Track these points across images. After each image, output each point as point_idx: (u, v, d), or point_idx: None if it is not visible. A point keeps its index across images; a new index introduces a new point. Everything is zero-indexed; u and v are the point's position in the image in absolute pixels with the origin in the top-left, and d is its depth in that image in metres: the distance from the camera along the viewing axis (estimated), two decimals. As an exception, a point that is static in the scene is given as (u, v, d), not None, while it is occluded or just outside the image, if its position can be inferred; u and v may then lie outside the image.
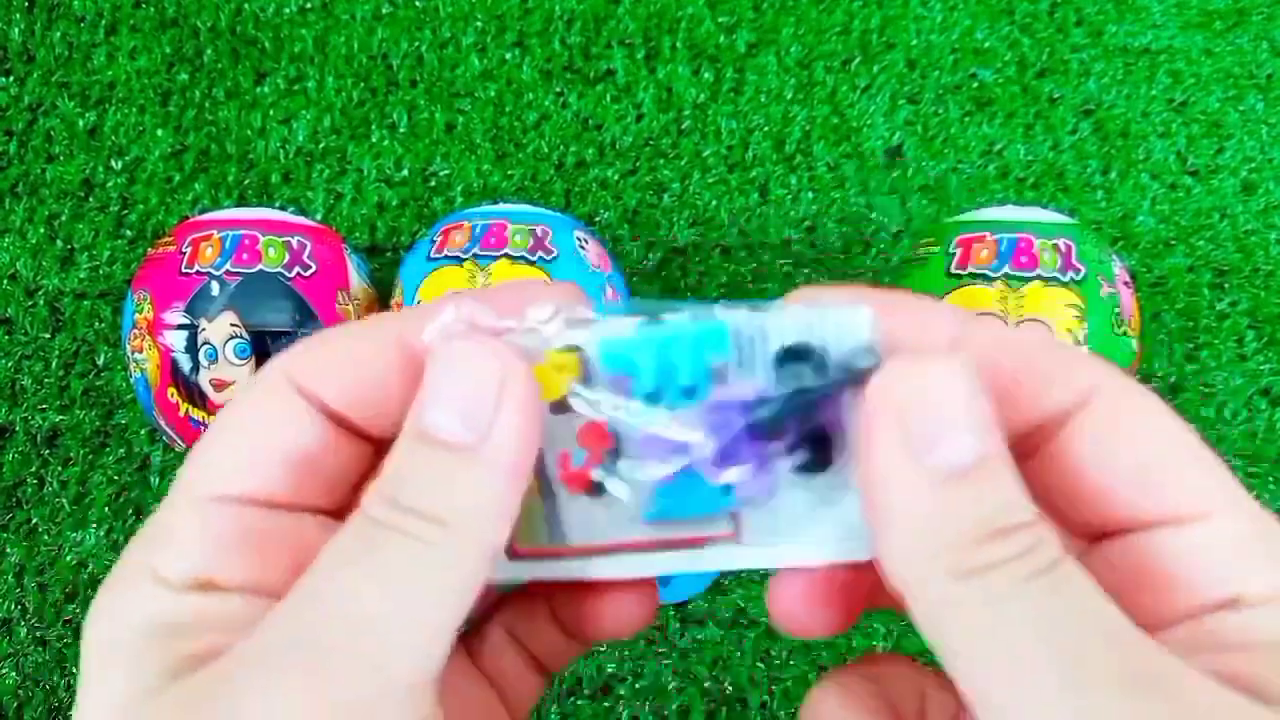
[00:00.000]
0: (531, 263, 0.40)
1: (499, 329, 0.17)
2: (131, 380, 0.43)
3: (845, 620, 0.19)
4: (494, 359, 0.16)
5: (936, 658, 0.15)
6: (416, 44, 0.54)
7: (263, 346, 0.39)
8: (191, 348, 0.39)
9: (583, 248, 0.42)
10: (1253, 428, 0.49)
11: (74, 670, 0.45)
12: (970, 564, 0.14)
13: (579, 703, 0.45)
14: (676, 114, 0.53)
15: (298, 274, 0.40)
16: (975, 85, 0.54)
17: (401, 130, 0.53)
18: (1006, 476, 0.15)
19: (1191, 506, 0.16)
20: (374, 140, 0.52)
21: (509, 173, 0.52)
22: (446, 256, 0.40)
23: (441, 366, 0.16)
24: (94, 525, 0.46)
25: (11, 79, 0.53)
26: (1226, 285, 0.51)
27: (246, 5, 0.55)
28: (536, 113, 0.53)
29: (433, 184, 0.52)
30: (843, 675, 0.19)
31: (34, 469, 0.47)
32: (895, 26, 0.55)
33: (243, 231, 0.40)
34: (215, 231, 0.40)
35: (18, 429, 0.48)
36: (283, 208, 0.49)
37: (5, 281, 0.50)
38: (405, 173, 0.52)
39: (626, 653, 0.45)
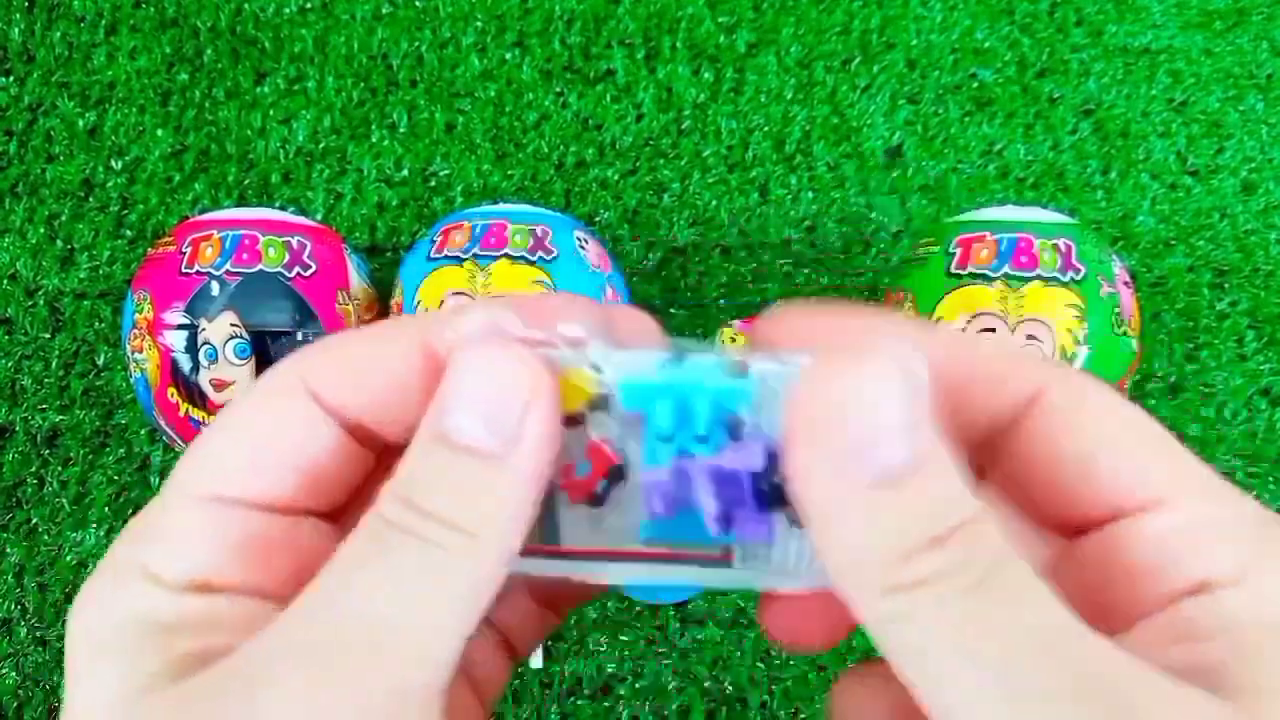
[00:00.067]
0: (531, 262, 0.40)
1: (528, 339, 0.16)
2: (131, 380, 0.43)
3: (836, 636, 0.19)
4: (523, 366, 0.16)
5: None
6: (416, 44, 0.54)
7: (263, 346, 0.39)
8: (191, 348, 0.39)
9: (583, 248, 0.42)
10: (1253, 428, 0.49)
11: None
12: (902, 580, 0.14)
13: (579, 703, 0.45)
14: (676, 114, 0.53)
15: (298, 274, 0.40)
16: (975, 85, 0.54)
17: (401, 130, 0.53)
18: (938, 475, 0.15)
19: (1148, 495, 0.15)
20: (374, 140, 0.52)
21: (509, 173, 0.52)
22: (446, 256, 0.40)
23: (466, 370, 0.16)
24: (94, 525, 0.46)
25: (11, 79, 0.53)
26: (1226, 285, 0.51)
27: (246, 5, 0.55)
28: (536, 113, 0.53)
29: (433, 184, 0.52)
30: (870, 666, 0.19)
31: (34, 469, 0.47)
32: (895, 26, 0.55)
33: (243, 231, 0.40)
34: (215, 231, 0.40)
35: (18, 429, 0.48)
36: (283, 208, 0.49)
37: (5, 281, 0.50)
38: (405, 173, 0.52)
39: (626, 653, 0.45)
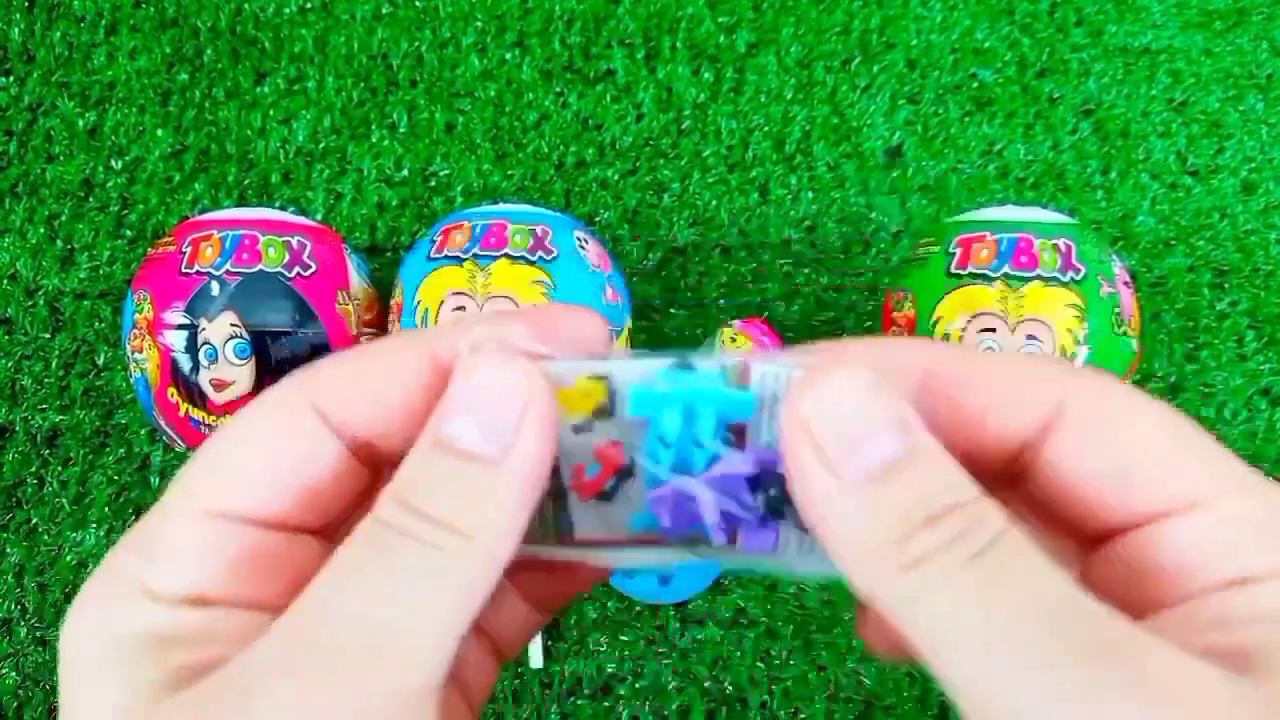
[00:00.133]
0: (531, 262, 0.40)
1: (533, 353, 0.17)
2: (131, 380, 0.43)
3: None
4: (520, 375, 0.16)
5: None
6: (416, 44, 0.54)
7: (263, 346, 0.39)
8: (191, 348, 0.39)
9: (583, 248, 0.41)
10: (1253, 428, 0.49)
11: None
12: (906, 558, 0.15)
13: (579, 703, 0.45)
14: (676, 114, 0.53)
15: (298, 274, 0.40)
16: (975, 85, 0.54)
17: (401, 130, 0.53)
18: (930, 463, 0.15)
19: (1184, 497, 0.16)
20: (374, 140, 0.52)
21: (509, 173, 0.52)
22: (446, 256, 0.40)
23: (466, 379, 0.16)
24: (94, 525, 0.46)
25: (11, 79, 0.53)
26: (1226, 285, 0.51)
27: (246, 5, 0.55)
28: (536, 113, 0.53)
29: (433, 184, 0.52)
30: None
31: (34, 469, 0.47)
32: (895, 26, 0.55)
33: (243, 231, 0.40)
34: (215, 231, 0.40)
35: (18, 429, 0.48)
36: (283, 208, 0.49)
37: (5, 281, 0.50)
38: (405, 173, 0.52)
39: (626, 653, 0.45)
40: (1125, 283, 0.41)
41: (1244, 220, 0.52)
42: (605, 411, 0.17)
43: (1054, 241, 0.40)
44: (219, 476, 0.16)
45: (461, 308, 0.39)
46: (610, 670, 0.45)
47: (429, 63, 0.54)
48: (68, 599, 0.46)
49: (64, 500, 0.47)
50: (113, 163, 0.52)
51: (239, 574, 0.16)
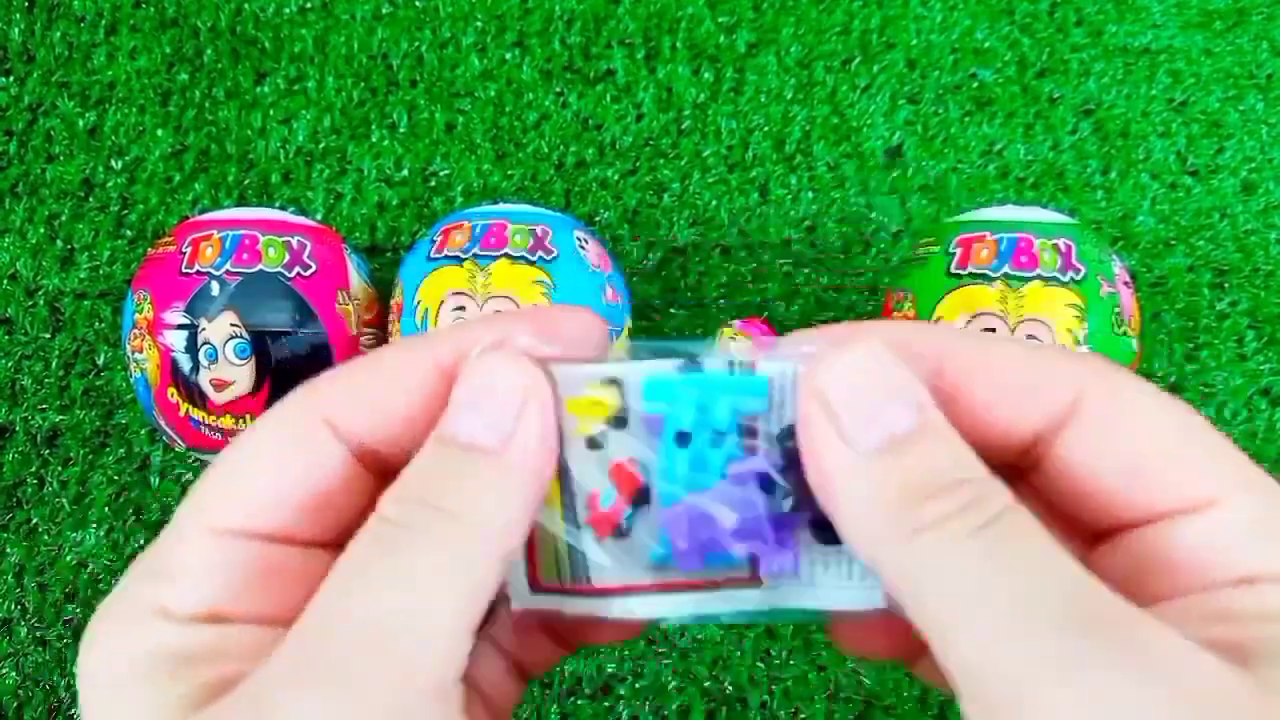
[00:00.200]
0: (531, 262, 0.40)
1: (538, 353, 0.17)
2: (131, 380, 0.43)
3: (902, 648, 0.19)
4: (517, 370, 0.16)
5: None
6: (416, 44, 0.54)
7: (263, 346, 0.39)
8: (191, 348, 0.39)
9: (583, 248, 0.41)
10: (1253, 428, 0.49)
11: (74, 670, 0.45)
12: (912, 524, 0.15)
13: (579, 703, 0.45)
14: (676, 114, 0.53)
15: (298, 274, 0.40)
16: (975, 85, 0.54)
17: (401, 130, 0.53)
18: (940, 440, 0.16)
19: (1195, 496, 0.16)
20: (374, 140, 0.52)
21: (509, 173, 0.52)
22: (446, 256, 0.40)
23: (467, 378, 0.17)
24: (94, 525, 0.46)
25: (11, 79, 0.53)
26: (1226, 285, 0.51)
27: (246, 5, 0.55)
28: (536, 113, 0.53)
29: (433, 184, 0.52)
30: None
31: (34, 469, 0.47)
32: (895, 26, 0.55)
33: (243, 231, 0.40)
34: (215, 231, 0.40)
35: (18, 429, 0.48)
36: (283, 208, 0.49)
37: (5, 281, 0.50)
38: (405, 173, 0.52)
39: (626, 653, 0.45)
40: (1125, 283, 0.41)
41: (1244, 220, 0.52)
42: (619, 420, 0.17)
43: (1054, 241, 0.40)
44: (230, 493, 0.17)
45: (461, 308, 0.39)
46: (610, 670, 0.45)
47: (429, 63, 0.54)
48: (68, 599, 0.46)
49: (64, 500, 0.47)
50: (113, 163, 0.52)
51: (253, 590, 0.16)
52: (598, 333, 0.18)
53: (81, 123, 0.52)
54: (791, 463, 0.17)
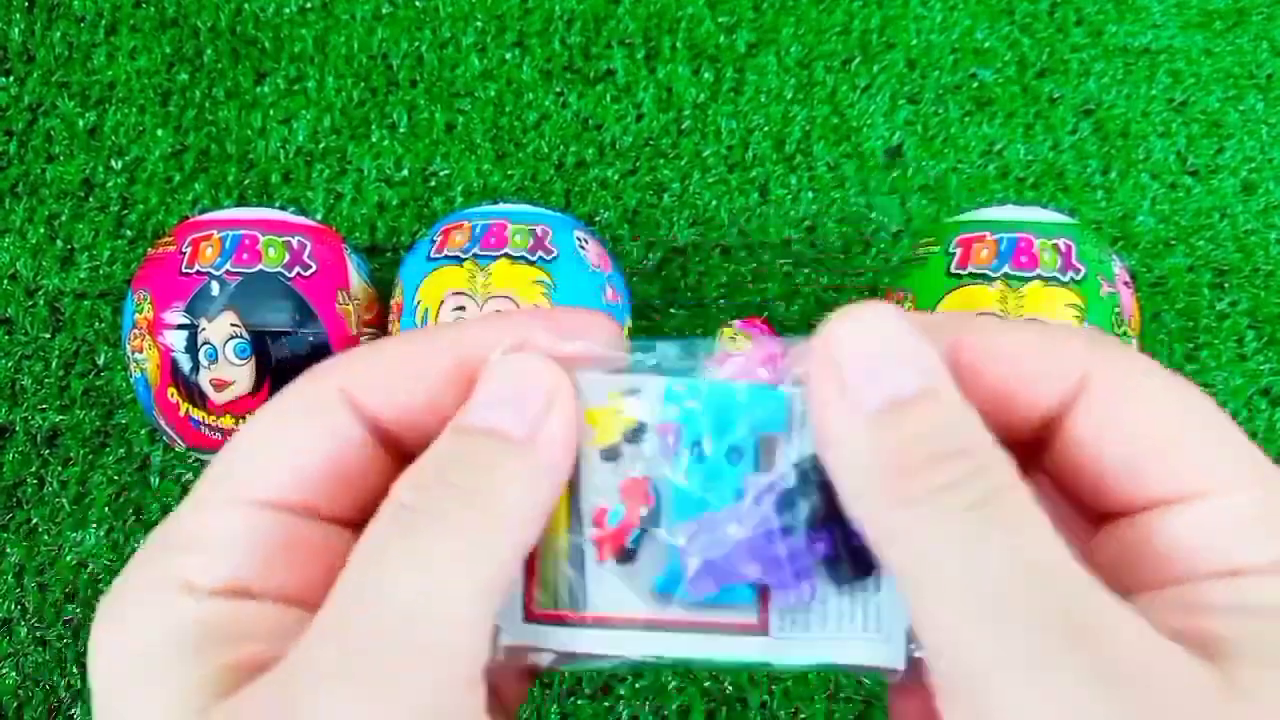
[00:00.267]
0: (531, 262, 0.40)
1: (560, 354, 0.17)
2: (131, 380, 0.43)
3: None
4: (547, 369, 0.16)
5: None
6: (416, 44, 0.54)
7: (263, 346, 0.39)
8: (191, 348, 0.39)
9: (583, 248, 0.42)
10: (1253, 428, 0.49)
11: (74, 670, 0.45)
12: (906, 492, 0.15)
13: (579, 703, 0.45)
14: (676, 114, 0.53)
15: (298, 274, 0.40)
16: (975, 85, 0.54)
17: (401, 130, 0.53)
18: (944, 407, 0.15)
19: (1188, 485, 0.15)
20: (374, 140, 0.52)
21: (509, 173, 0.52)
22: (446, 256, 0.40)
23: (496, 373, 0.17)
24: (94, 525, 0.46)
25: (11, 79, 0.53)
26: (1226, 285, 0.51)
27: (246, 5, 0.55)
28: (536, 113, 0.53)
29: (433, 184, 0.52)
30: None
31: (34, 469, 0.47)
32: (895, 26, 0.55)
33: (243, 231, 0.40)
34: (215, 231, 0.40)
35: (18, 429, 0.48)
36: (283, 208, 0.49)
37: (5, 281, 0.50)
38: (405, 173, 0.52)
39: (626, 653, 0.45)
40: (1125, 283, 0.41)
41: (1244, 220, 0.52)
42: (636, 431, 0.17)
43: (1054, 241, 0.40)
44: (252, 464, 0.16)
45: (461, 308, 0.40)
46: (610, 670, 0.45)
47: (429, 63, 0.54)
48: (68, 599, 0.46)
49: (64, 500, 0.47)
50: (113, 163, 0.52)
51: (277, 564, 0.16)
52: (612, 335, 0.18)
53: (81, 123, 0.52)
54: (809, 488, 0.17)
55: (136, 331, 0.40)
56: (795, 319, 0.50)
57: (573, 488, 0.17)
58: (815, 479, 0.16)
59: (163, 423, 0.41)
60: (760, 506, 0.17)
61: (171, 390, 0.40)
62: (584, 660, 0.17)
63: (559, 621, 0.17)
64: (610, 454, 0.17)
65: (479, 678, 0.15)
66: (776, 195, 0.52)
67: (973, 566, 0.14)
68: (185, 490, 0.47)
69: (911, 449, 0.15)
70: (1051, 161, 0.53)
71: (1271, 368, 0.49)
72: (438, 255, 0.41)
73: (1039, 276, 0.39)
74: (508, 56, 0.54)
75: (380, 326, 0.44)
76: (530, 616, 0.17)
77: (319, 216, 0.51)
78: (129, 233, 0.51)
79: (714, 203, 0.52)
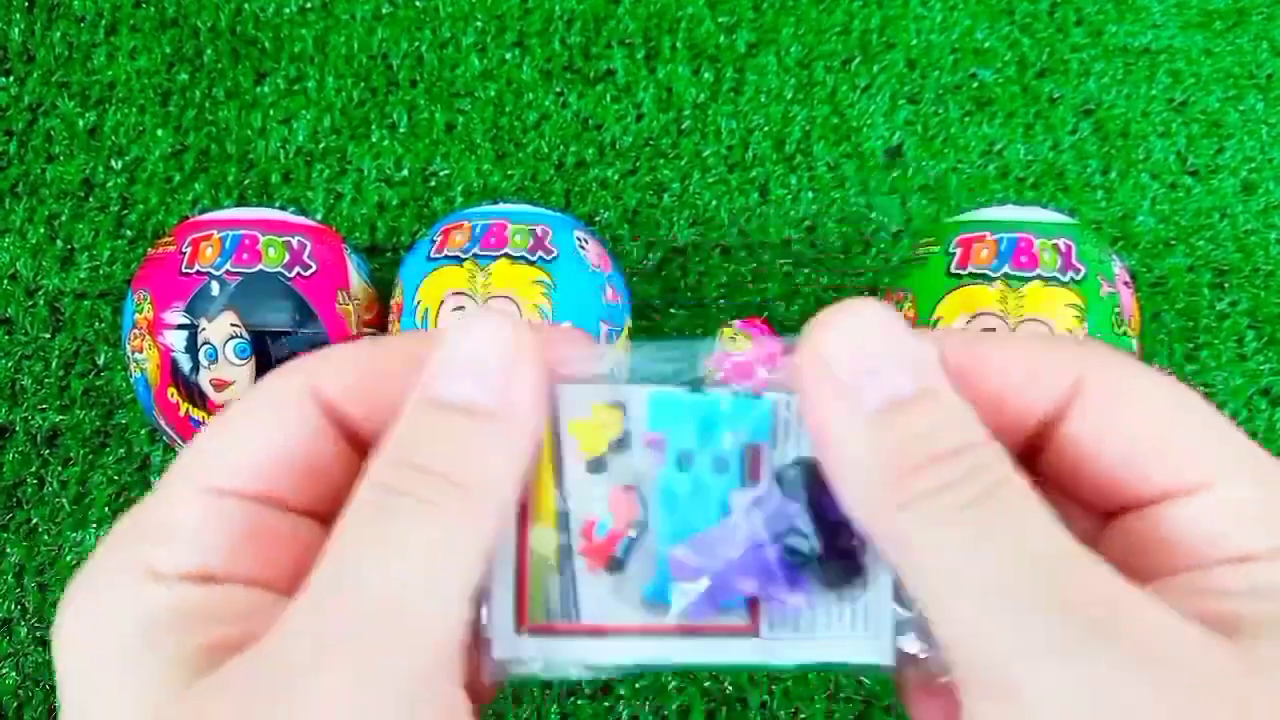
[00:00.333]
0: (531, 262, 0.40)
1: (554, 364, 0.17)
2: (131, 380, 0.43)
3: None
4: (505, 328, 0.16)
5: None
6: (416, 44, 0.54)
7: (263, 346, 0.39)
8: (191, 348, 0.39)
9: (583, 248, 0.42)
10: (1253, 428, 0.49)
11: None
12: (905, 495, 0.15)
13: (579, 703, 0.45)
14: (676, 114, 0.53)
15: (298, 274, 0.40)
16: (975, 85, 0.54)
17: (401, 130, 0.53)
18: (941, 405, 0.15)
19: (1190, 478, 0.16)
20: (374, 140, 0.52)
21: (509, 173, 0.52)
22: (446, 256, 0.40)
23: (452, 340, 0.16)
24: (94, 525, 0.46)
25: (11, 79, 0.53)
26: (1226, 285, 0.51)
27: (246, 5, 0.55)
28: (536, 113, 0.53)
29: (433, 184, 0.52)
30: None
31: (34, 469, 0.47)
32: (895, 26, 0.55)
33: (243, 231, 0.40)
34: (215, 231, 0.40)
35: (18, 429, 0.48)
36: (283, 208, 0.49)
37: (5, 281, 0.50)
38: (405, 173, 0.52)
39: (626, 653, 0.45)
40: (1125, 283, 0.41)
41: (1244, 220, 0.52)
42: (621, 442, 0.17)
43: (1054, 241, 0.40)
44: (220, 454, 0.16)
45: (461, 308, 0.40)
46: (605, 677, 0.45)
47: (429, 63, 0.54)
48: (68, 599, 0.46)
49: (64, 500, 0.47)
50: (113, 163, 0.52)
51: (243, 551, 0.16)
52: (585, 347, 0.18)
53: (81, 123, 0.52)
54: (796, 494, 0.17)
55: (136, 331, 0.40)
56: (795, 319, 0.50)
57: (561, 496, 0.17)
58: (802, 483, 0.17)
59: (163, 423, 0.41)
60: (750, 520, 0.17)
61: (171, 390, 0.40)
62: (577, 669, 0.17)
63: (551, 633, 0.17)
64: (596, 466, 0.17)
65: (457, 661, 0.15)
66: (776, 195, 0.52)
67: (981, 564, 0.14)
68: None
69: (912, 449, 0.15)
70: (1051, 161, 0.53)
71: (1271, 368, 0.49)
72: (438, 255, 0.41)
73: (1039, 276, 0.39)
74: (508, 56, 0.54)
75: (380, 326, 0.44)
76: (521, 628, 0.17)
77: (319, 216, 0.51)
78: (129, 233, 0.51)
79: (714, 203, 0.52)
